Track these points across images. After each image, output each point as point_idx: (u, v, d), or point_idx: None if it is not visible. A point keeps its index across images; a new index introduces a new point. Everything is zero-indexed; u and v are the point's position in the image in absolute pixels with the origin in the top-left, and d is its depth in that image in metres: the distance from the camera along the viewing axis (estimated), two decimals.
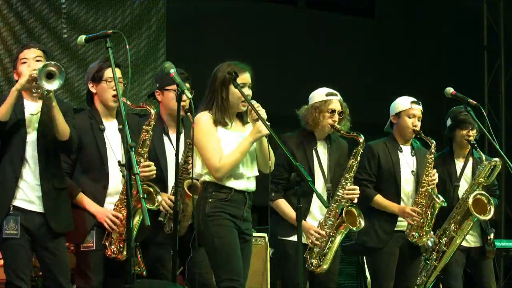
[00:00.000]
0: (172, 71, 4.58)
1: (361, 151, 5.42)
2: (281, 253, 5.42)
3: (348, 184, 5.37)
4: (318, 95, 5.49)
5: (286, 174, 5.31)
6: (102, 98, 5.07)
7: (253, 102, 4.67)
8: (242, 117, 4.84)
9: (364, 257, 7.23)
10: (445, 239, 6.02)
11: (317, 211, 5.42)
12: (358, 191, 5.38)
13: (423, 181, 5.75)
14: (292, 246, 5.23)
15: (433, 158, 5.77)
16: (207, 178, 4.72)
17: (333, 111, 5.41)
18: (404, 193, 5.82)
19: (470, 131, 6.07)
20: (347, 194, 5.34)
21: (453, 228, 5.99)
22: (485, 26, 11.45)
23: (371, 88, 10.78)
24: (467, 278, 6.28)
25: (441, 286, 6.74)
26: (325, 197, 5.34)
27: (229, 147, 4.70)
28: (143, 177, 4.94)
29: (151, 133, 5.05)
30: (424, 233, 5.74)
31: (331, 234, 5.34)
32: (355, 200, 5.39)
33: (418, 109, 5.83)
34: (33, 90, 4.66)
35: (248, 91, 4.75)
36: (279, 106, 9.55)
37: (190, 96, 4.54)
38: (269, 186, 5.24)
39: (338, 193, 5.35)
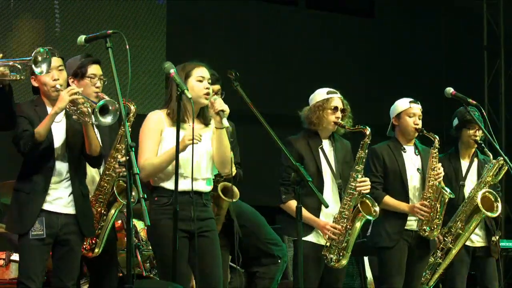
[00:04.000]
0: (172, 71, 4.57)
1: (368, 142, 5.44)
2: (294, 254, 5.40)
3: (359, 176, 5.39)
4: (319, 94, 5.54)
5: None
6: (84, 94, 4.78)
7: (216, 97, 4.71)
8: (204, 117, 4.79)
9: (366, 257, 7.22)
10: (451, 237, 6.03)
11: (327, 208, 5.39)
12: (368, 183, 5.39)
13: (429, 175, 5.78)
14: (308, 245, 5.25)
15: (437, 153, 5.79)
16: (152, 182, 4.67)
17: (335, 108, 5.46)
18: (412, 191, 5.85)
19: (477, 131, 6.09)
20: (359, 187, 5.35)
21: (460, 225, 6.00)
22: (485, 26, 11.43)
23: (371, 88, 10.78)
24: (468, 279, 6.27)
25: (440, 286, 6.73)
26: (337, 193, 5.39)
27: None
28: (119, 172, 4.89)
29: (129, 129, 4.96)
30: (435, 226, 5.75)
31: (347, 227, 5.35)
32: (366, 192, 5.39)
33: (417, 108, 5.86)
34: (71, 112, 4.62)
35: (207, 85, 4.72)
36: (279, 106, 9.56)
37: (189, 96, 4.53)
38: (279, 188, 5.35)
39: (350, 186, 5.37)
